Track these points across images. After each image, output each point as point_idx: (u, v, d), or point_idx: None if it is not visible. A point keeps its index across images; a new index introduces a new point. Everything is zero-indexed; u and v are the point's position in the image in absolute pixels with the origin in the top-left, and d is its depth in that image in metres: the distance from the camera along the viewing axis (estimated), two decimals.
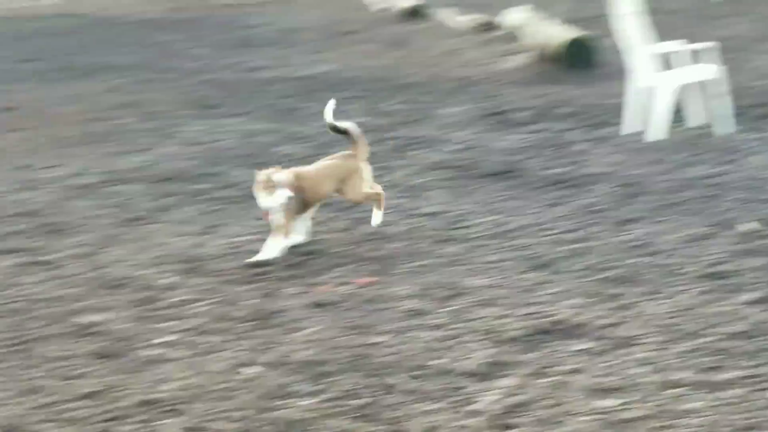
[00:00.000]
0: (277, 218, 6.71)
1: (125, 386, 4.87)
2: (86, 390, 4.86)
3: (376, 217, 7.05)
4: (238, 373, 4.93)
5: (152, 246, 7.29)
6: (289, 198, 6.60)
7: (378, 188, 7.11)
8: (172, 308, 5.95)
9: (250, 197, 8.54)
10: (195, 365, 5.06)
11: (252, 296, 6.05)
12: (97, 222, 8.17)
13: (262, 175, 6.69)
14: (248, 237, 7.27)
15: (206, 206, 8.40)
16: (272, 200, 6.63)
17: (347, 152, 7.05)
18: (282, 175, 6.71)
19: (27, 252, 7.44)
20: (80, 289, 6.42)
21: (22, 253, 7.42)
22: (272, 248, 6.69)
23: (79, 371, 5.11)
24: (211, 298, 6.07)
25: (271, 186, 6.57)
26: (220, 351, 5.24)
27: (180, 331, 5.56)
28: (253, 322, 5.62)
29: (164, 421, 4.46)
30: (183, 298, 6.11)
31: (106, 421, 4.53)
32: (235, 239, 7.28)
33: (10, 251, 7.48)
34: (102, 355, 5.29)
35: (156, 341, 5.44)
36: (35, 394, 4.89)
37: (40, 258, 7.23)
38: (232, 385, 4.79)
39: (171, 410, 4.57)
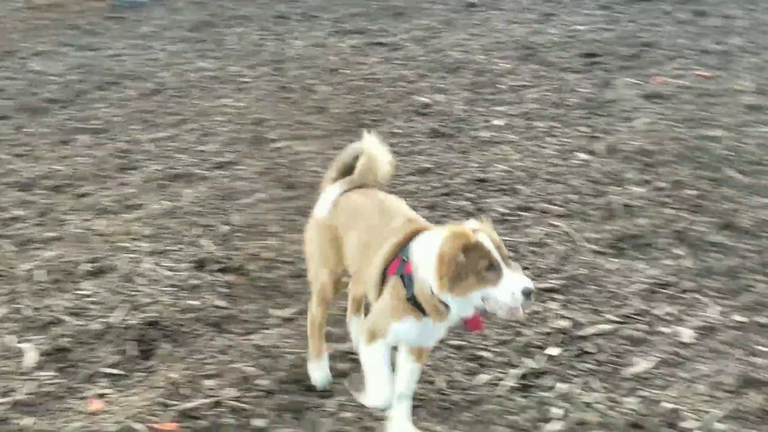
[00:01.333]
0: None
1: (458, 164, 5.04)
2: (422, 165, 5.08)
3: None
4: (569, 158, 4.97)
5: (489, 31, 7.35)
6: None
7: None
8: (506, 93, 6.02)
9: None
10: (527, 149, 5.14)
11: (586, 85, 6.00)
12: (436, 7, 8.33)
13: (464, 234, 2.74)
14: (586, 27, 7.16)
15: None
16: (511, 286, 2.66)
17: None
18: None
19: (369, 33, 7.77)
20: (419, 71, 6.63)
21: (365, 34, 7.77)
22: None
23: (416, 147, 5.35)
24: (545, 85, 6.08)
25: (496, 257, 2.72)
26: (552, 136, 5.28)
27: (513, 115, 5.64)
28: (586, 111, 5.60)
29: (494, 199, 4.58)
30: (517, 83, 6.16)
31: (439, 195, 4.72)
32: (572, 28, 7.19)
33: (354, 32, 7.84)
34: (438, 134, 5.50)
35: (489, 123, 5.56)
36: None
37: (382, 39, 7.52)
38: (561, 169, 4.83)
39: (500, 189, 4.68)
